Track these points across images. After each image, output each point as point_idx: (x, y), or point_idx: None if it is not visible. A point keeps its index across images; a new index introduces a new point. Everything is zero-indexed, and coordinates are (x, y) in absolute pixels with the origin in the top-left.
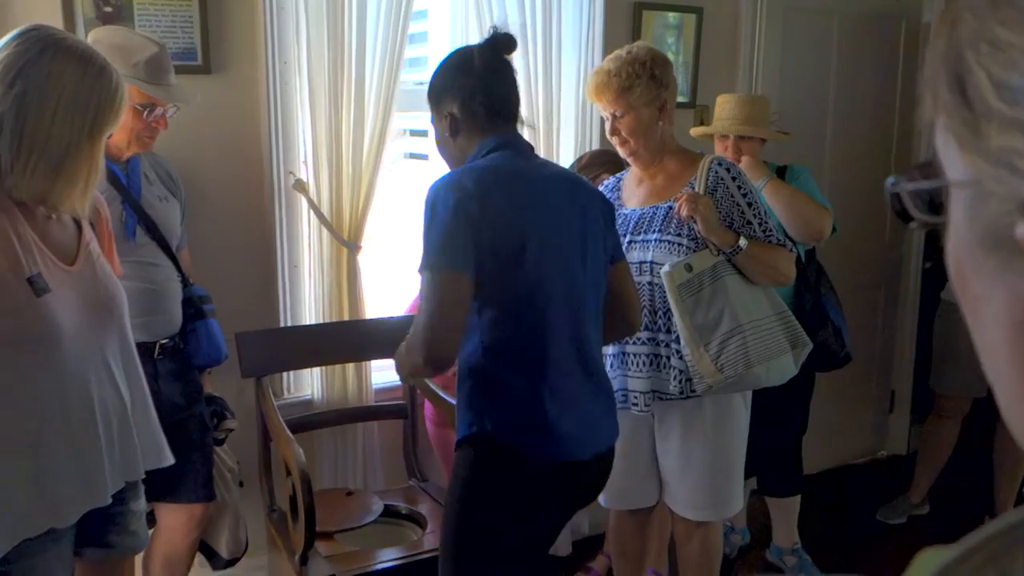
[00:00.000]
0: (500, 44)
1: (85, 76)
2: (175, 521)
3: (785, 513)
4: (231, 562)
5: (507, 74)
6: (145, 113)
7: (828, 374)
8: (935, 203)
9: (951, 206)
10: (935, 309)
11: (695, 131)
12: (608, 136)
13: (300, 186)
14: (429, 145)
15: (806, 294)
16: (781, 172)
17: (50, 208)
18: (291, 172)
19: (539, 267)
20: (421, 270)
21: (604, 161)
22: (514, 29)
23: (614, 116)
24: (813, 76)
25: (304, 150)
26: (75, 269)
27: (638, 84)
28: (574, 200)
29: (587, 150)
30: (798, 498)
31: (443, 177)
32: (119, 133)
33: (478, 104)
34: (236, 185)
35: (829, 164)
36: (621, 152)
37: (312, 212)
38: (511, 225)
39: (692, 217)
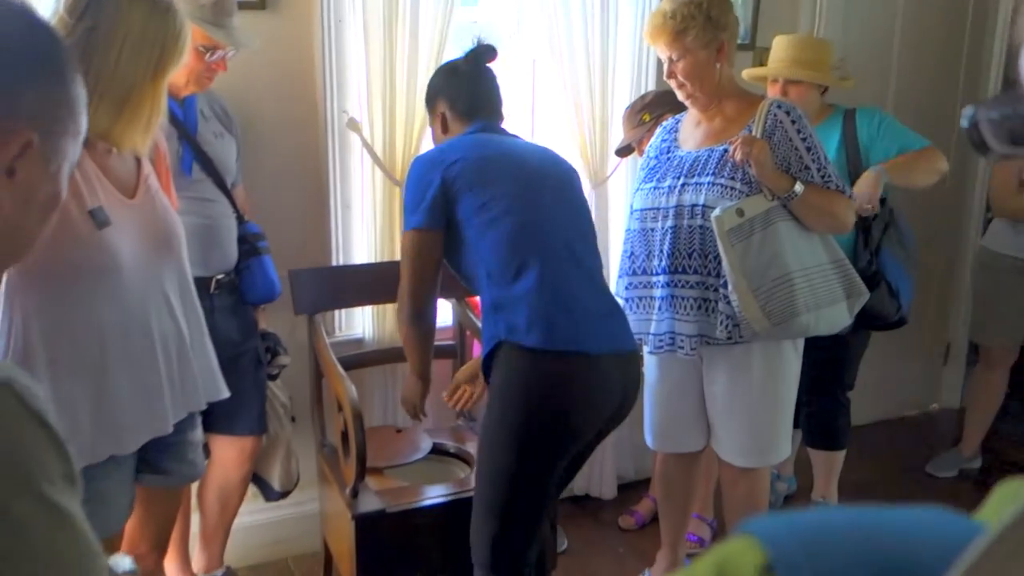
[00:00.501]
0: (481, 53)
1: (152, 15)
2: (229, 453)
3: (827, 467)
4: (283, 494)
5: (489, 77)
6: (207, 55)
7: None
8: (1017, 133)
9: None
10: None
11: (747, 73)
12: (665, 78)
13: (353, 125)
14: None
15: (863, 252)
16: (850, 115)
17: (111, 145)
18: (344, 111)
19: (520, 199)
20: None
21: (668, 101)
22: None
23: (671, 59)
24: (880, 13)
25: (358, 88)
26: (135, 202)
27: (693, 26)
28: (548, 158)
29: (642, 92)
30: (843, 453)
31: (431, 151)
32: (179, 72)
33: (463, 101)
34: (290, 123)
35: (892, 105)
36: (679, 95)
37: (365, 151)
38: (484, 170)
39: (747, 161)
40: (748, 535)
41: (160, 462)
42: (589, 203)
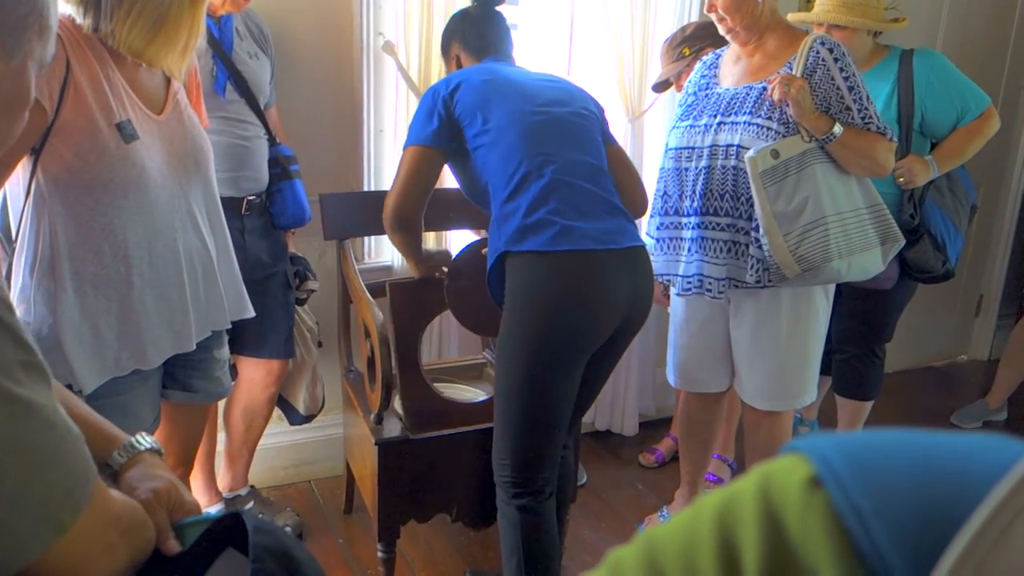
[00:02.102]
0: None
1: None
2: (255, 374)
3: (853, 416)
4: (307, 418)
5: (498, 19)
6: None
7: None
8: None
9: None
10: None
11: (792, 17)
12: (706, 11)
13: (389, 48)
14: (521, 13)
15: (907, 204)
16: (907, 57)
17: (146, 64)
18: (380, 33)
19: (521, 118)
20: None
21: (710, 34)
22: None
23: None
24: None
25: (395, 10)
26: (163, 118)
27: None
28: (559, 88)
29: (683, 25)
30: (870, 404)
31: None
32: None
33: (474, 41)
34: (325, 45)
35: (941, 47)
36: (719, 29)
37: (400, 76)
38: (487, 93)
39: (784, 101)
40: (794, 452)
41: (187, 379)
42: (625, 139)
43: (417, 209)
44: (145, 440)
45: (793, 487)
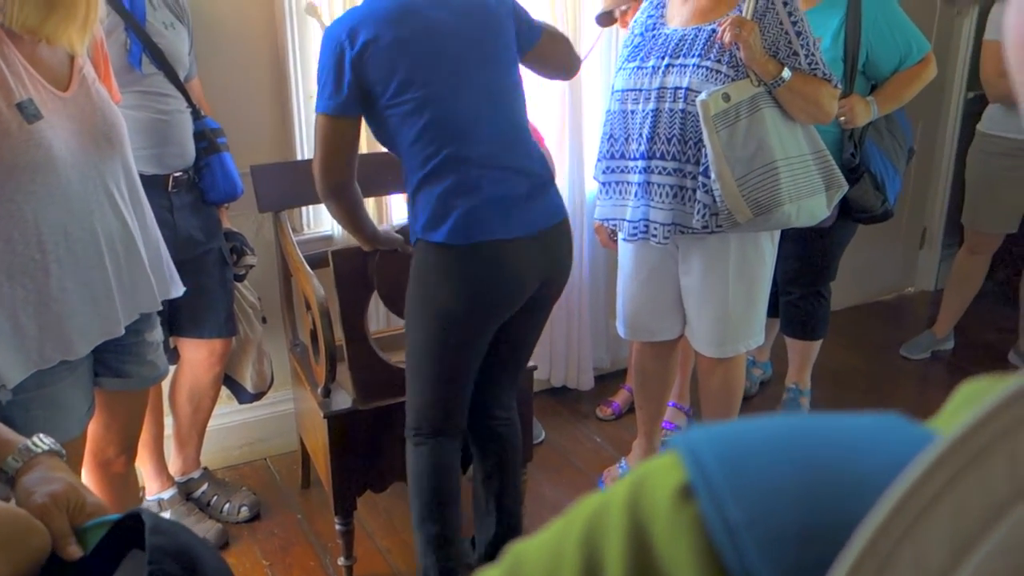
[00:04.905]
0: None
1: None
2: (197, 355)
3: (803, 355)
4: (256, 396)
5: None
6: None
7: None
8: None
9: None
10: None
11: None
12: None
13: (312, 10)
14: None
15: (847, 143)
16: None
17: (45, 41)
18: None
19: (435, 88)
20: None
21: None
22: None
23: None
24: None
25: None
26: (68, 95)
27: None
28: (470, 15)
29: None
30: (819, 343)
31: (337, 19)
32: None
33: None
34: (246, 11)
35: None
36: None
37: None
38: (396, 58)
39: (735, 43)
40: (672, 450)
41: (119, 364)
42: (564, 85)
43: (345, 175)
44: (43, 442)
45: (662, 497)
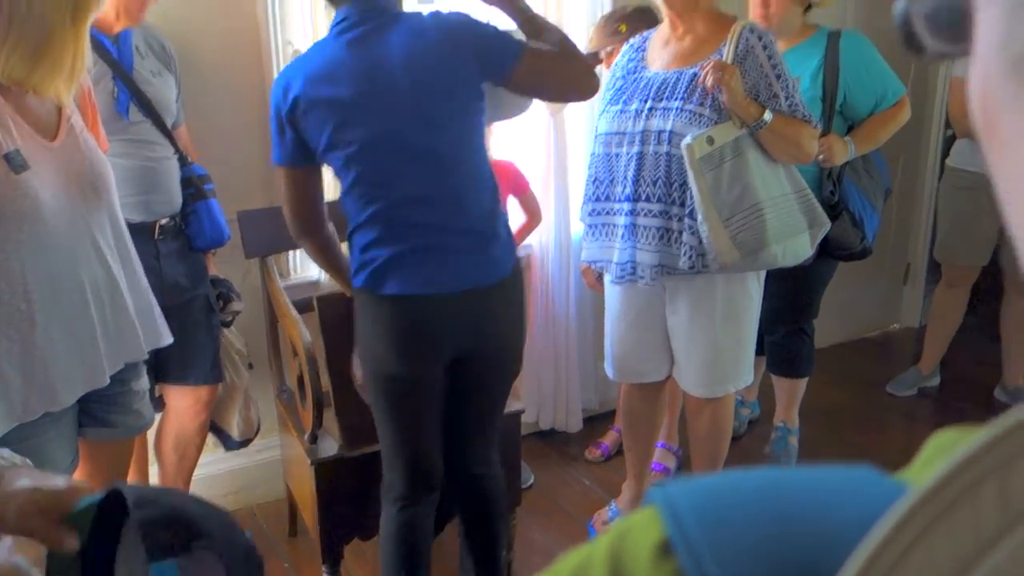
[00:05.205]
0: None
1: None
2: (183, 403)
3: (789, 393)
4: (243, 443)
5: None
6: None
7: None
8: (955, 26)
9: (978, 27)
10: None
11: None
12: None
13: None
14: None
15: (827, 182)
16: (834, 39)
17: (33, 92)
18: (289, 42)
19: (360, 143)
20: None
21: (648, 20)
22: None
23: None
24: None
25: (302, 18)
26: (56, 144)
27: None
28: (408, 66)
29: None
30: (805, 380)
31: (280, 72)
32: (106, 4)
33: None
34: (233, 57)
35: (854, 20)
36: None
37: None
38: (326, 117)
39: (717, 87)
40: (651, 505)
41: (104, 414)
42: (548, 131)
43: (310, 219)
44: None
45: (643, 554)
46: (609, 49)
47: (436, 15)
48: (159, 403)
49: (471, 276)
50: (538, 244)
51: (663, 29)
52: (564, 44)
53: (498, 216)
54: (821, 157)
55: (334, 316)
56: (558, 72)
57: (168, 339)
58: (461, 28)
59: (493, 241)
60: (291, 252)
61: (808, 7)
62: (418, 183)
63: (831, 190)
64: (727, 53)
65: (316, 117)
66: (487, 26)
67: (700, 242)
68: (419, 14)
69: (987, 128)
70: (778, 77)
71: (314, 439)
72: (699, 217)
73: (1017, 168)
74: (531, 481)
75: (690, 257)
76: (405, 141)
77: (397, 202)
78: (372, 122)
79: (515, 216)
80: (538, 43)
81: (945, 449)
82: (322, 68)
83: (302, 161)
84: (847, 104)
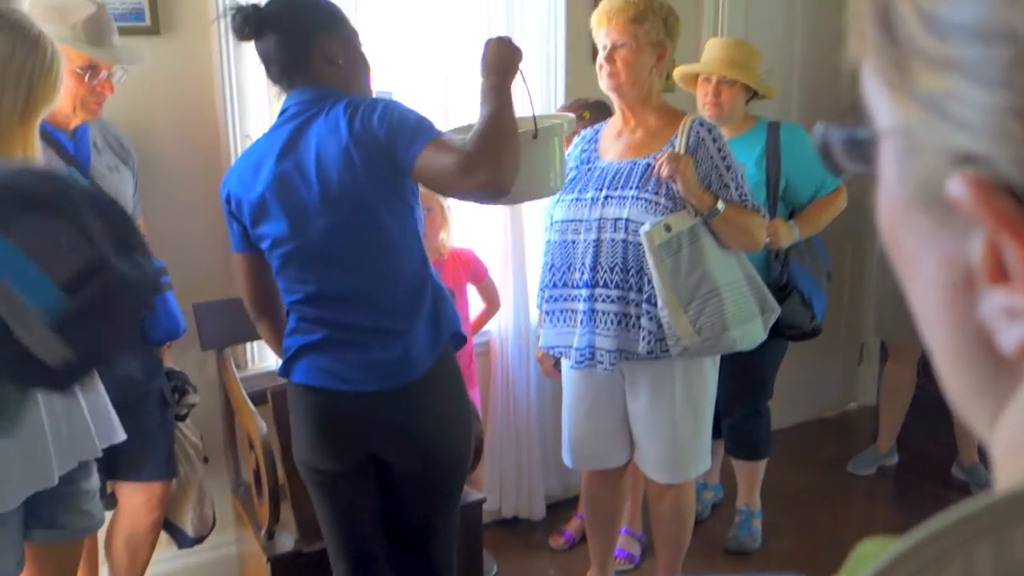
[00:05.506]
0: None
1: (17, 47)
2: (136, 500)
3: (750, 476)
4: (198, 540)
5: (265, 39)
6: (87, 76)
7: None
8: (864, 154)
9: (881, 158)
10: None
11: (679, 71)
12: (599, 63)
13: None
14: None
15: (775, 263)
16: (773, 129)
17: None
18: (248, 135)
19: (276, 236)
20: None
21: (607, 113)
22: None
23: (615, 46)
24: (779, 25)
25: (259, 111)
26: None
27: (651, 19)
28: (322, 161)
29: (551, 108)
30: (764, 462)
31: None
32: (63, 99)
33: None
34: (191, 150)
35: (796, 114)
36: (607, 84)
37: None
38: (247, 207)
39: (672, 177)
40: None
41: (51, 515)
42: (506, 215)
43: (264, 300)
44: None
45: None
46: (567, 133)
47: (355, 107)
48: (111, 500)
49: (382, 374)
50: (497, 330)
51: (614, 122)
52: (482, 142)
53: (418, 314)
54: (768, 239)
55: (287, 409)
56: (441, 173)
57: (121, 436)
58: (375, 123)
59: (407, 340)
60: (248, 343)
61: (751, 98)
62: (327, 282)
63: (780, 271)
64: (679, 144)
65: (242, 212)
66: (405, 115)
67: (659, 327)
68: (347, 103)
69: (893, 246)
70: (728, 168)
71: (271, 534)
72: (659, 302)
73: (921, 285)
74: (494, 571)
75: (649, 342)
76: (309, 242)
77: (310, 296)
78: (279, 223)
79: (474, 303)
80: (456, 136)
81: (867, 559)
82: (248, 164)
83: (250, 248)
84: (789, 190)
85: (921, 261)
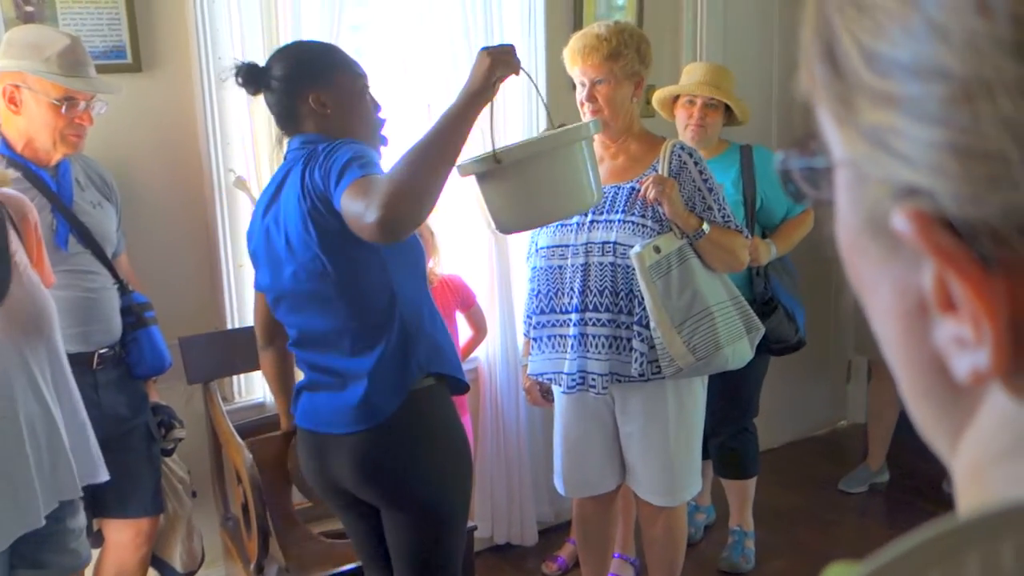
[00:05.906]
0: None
1: None
2: (123, 537)
3: (740, 496)
4: (187, 575)
5: (268, 89)
6: (64, 108)
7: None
8: (821, 181)
9: (835, 187)
10: None
11: (659, 92)
12: (580, 102)
13: (241, 184)
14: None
15: (758, 279)
16: (746, 152)
17: None
18: (231, 169)
19: (260, 280)
20: None
21: None
22: (455, 11)
23: (593, 83)
24: (757, 50)
25: (243, 145)
26: None
27: (626, 54)
28: (283, 210)
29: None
30: (754, 480)
31: None
32: (42, 133)
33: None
34: (174, 186)
35: (775, 137)
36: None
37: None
38: (251, 254)
39: (658, 200)
40: None
41: (37, 554)
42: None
43: (265, 334)
44: None
45: None
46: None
47: (315, 156)
48: (98, 538)
49: (348, 417)
50: (485, 357)
51: (595, 148)
52: (393, 171)
53: (378, 356)
54: (749, 258)
55: (266, 456)
56: (353, 213)
57: (104, 476)
58: (316, 171)
59: (368, 382)
60: (235, 376)
61: (726, 123)
62: (304, 326)
63: (763, 287)
64: (662, 169)
65: (252, 256)
66: (338, 159)
67: (651, 349)
68: (311, 152)
69: (851, 269)
70: (710, 191)
71: (260, 569)
72: (651, 324)
73: (878, 312)
74: None
75: (641, 364)
76: (285, 289)
77: (295, 340)
78: (264, 270)
79: (463, 330)
80: (369, 180)
81: None
82: (257, 210)
83: (259, 286)
84: (763, 210)
85: (877, 288)
